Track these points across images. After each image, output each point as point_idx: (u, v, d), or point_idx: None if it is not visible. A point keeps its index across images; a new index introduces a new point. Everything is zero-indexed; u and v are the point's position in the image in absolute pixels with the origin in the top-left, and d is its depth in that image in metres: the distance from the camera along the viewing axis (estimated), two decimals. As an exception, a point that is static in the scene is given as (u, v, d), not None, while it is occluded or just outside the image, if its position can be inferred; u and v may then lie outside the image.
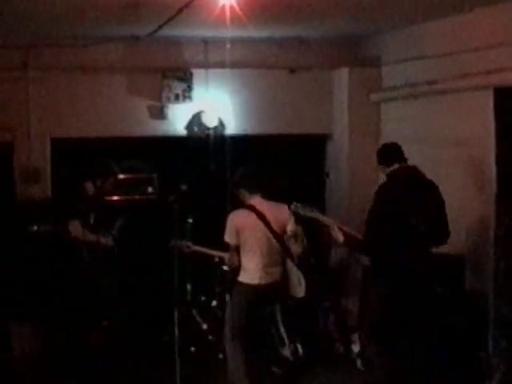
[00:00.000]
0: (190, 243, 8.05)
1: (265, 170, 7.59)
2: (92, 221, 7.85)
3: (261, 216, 7.04)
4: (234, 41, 7.98)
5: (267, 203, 7.16)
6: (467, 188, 7.79)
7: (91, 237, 7.70)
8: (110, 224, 7.86)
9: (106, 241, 7.76)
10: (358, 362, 7.88)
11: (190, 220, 8.28)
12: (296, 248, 7.18)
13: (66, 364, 7.62)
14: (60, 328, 7.92)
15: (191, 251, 8.07)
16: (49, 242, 8.04)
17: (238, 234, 7.05)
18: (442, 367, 7.13)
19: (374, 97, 9.56)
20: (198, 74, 9.40)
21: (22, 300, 8.22)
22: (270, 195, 7.24)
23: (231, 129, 9.64)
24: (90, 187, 7.92)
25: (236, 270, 7.25)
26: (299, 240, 7.20)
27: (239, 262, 7.15)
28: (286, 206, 7.17)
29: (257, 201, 7.13)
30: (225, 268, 7.77)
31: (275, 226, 7.07)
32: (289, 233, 7.11)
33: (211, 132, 9.44)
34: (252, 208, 7.08)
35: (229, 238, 7.10)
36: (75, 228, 7.70)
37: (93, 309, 7.76)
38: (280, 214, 7.14)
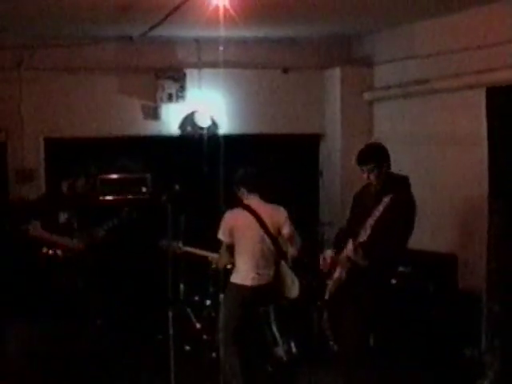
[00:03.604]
0: (180, 244, 8.03)
1: (260, 170, 7.60)
2: (63, 220, 7.86)
3: (256, 216, 7.03)
4: (226, 41, 8.01)
5: (264, 204, 7.15)
6: (459, 187, 7.82)
7: (53, 237, 7.72)
8: (89, 224, 7.89)
9: (71, 243, 7.77)
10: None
11: (183, 219, 8.27)
12: (291, 251, 7.17)
13: (60, 363, 7.62)
14: (53, 327, 7.92)
15: (181, 252, 8.06)
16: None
17: (231, 232, 7.05)
18: (434, 366, 7.17)
19: (366, 96, 9.58)
20: (191, 73, 9.42)
21: (15, 299, 8.22)
22: (266, 195, 7.25)
23: (224, 129, 9.67)
24: (65, 186, 7.96)
25: (224, 269, 7.26)
26: (295, 242, 7.20)
27: (231, 261, 7.16)
28: (282, 208, 7.16)
29: (254, 201, 7.12)
30: (215, 267, 7.76)
31: (270, 228, 7.05)
32: (285, 236, 7.10)
33: (204, 132, 9.46)
34: (248, 208, 7.08)
35: (222, 235, 7.09)
36: (34, 228, 7.76)
37: (86, 308, 7.78)
38: (276, 215, 7.12)
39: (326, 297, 6.57)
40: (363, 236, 6.09)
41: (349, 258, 6.19)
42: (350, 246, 6.13)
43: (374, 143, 6.89)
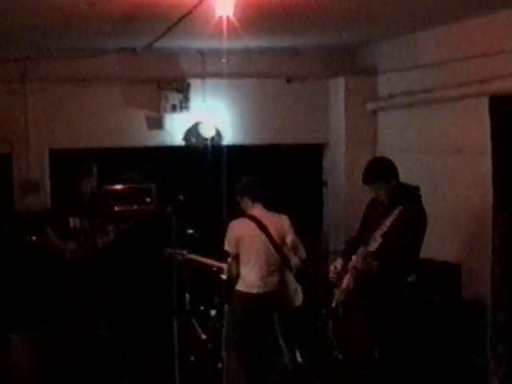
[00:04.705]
0: (184, 251, 8.05)
1: (263, 179, 7.62)
2: (73, 225, 7.87)
3: (261, 226, 7.06)
4: (230, 51, 8.03)
5: (268, 213, 7.18)
6: (463, 196, 7.82)
7: (59, 243, 7.75)
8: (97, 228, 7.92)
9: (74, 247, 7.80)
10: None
11: (190, 230, 8.28)
12: (295, 259, 7.20)
13: (66, 374, 7.64)
14: (59, 337, 7.95)
15: (185, 259, 8.06)
16: (46, 252, 8.06)
17: (237, 243, 7.09)
18: (440, 374, 7.16)
19: (370, 106, 9.59)
20: (194, 84, 9.45)
21: (20, 310, 8.26)
22: (269, 205, 7.27)
23: (228, 139, 9.68)
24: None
25: (234, 279, 7.28)
26: (298, 251, 7.22)
27: (238, 271, 7.18)
28: (285, 217, 7.19)
29: (258, 210, 7.15)
30: (223, 277, 7.77)
31: (275, 236, 7.09)
32: (289, 244, 7.12)
33: (208, 142, 9.48)
34: (253, 217, 7.11)
35: (229, 246, 7.13)
36: (52, 235, 7.80)
37: (92, 318, 7.79)
38: (280, 224, 7.16)
39: (333, 305, 6.55)
40: (372, 246, 6.08)
41: (356, 268, 6.19)
42: (358, 255, 6.12)
43: (378, 159, 6.77)
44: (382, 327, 6.36)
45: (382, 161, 6.62)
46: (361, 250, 6.14)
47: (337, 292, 6.49)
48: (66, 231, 7.86)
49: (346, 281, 6.34)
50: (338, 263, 6.49)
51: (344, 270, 6.39)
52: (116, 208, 8.94)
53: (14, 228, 8.61)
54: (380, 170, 6.44)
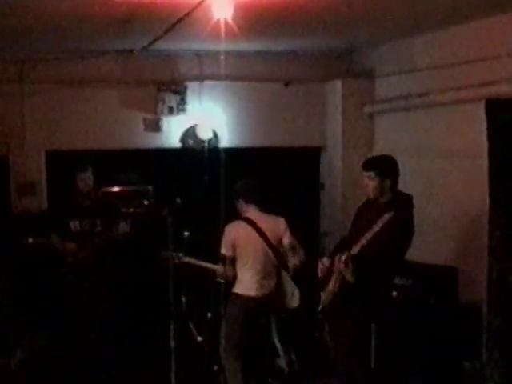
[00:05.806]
0: (180, 254, 8.05)
1: (259, 181, 7.62)
2: (74, 227, 7.86)
3: (257, 228, 7.06)
4: (227, 54, 8.03)
5: (264, 215, 7.18)
6: (460, 199, 7.83)
7: (70, 245, 7.73)
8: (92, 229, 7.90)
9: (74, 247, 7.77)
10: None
11: (186, 233, 8.28)
12: (293, 260, 7.19)
13: (65, 375, 7.65)
14: (58, 339, 7.96)
15: (182, 262, 8.06)
16: (44, 254, 8.06)
17: (234, 245, 7.08)
18: (435, 378, 7.17)
19: (367, 109, 9.60)
20: (192, 87, 9.44)
21: (20, 311, 8.28)
22: (266, 207, 7.27)
23: (225, 141, 9.69)
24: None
25: (230, 282, 7.27)
26: (296, 252, 7.21)
27: (235, 274, 7.18)
28: (282, 219, 7.20)
29: (254, 213, 7.15)
30: (220, 280, 7.77)
31: (271, 239, 7.08)
32: (286, 245, 7.12)
33: (205, 144, 9.48)
34: (249, 220, 7.11)
35: (225, 249, 7.11)
36: (56, 241, 7.79)
37: (90, 320, 7.79)
38: (276, 226, 7.16)
39: (319, 308, 6.57)
40: (356, 249, 6.09)
41: (340, 271, 6.22)
42: (342, 258, 6.13)
43: (388, 156, 6.73)
44: (367, 326, 6.40)
45: (389, 158, 6.64)
46: (345, 253, 6.15)
47: (323, 295, 6.51)
48: (68, 234, 7.85)
49: (332, 284, 6.37)
50: (326, 261, 6.51)
51: (329, 270, 6.43)
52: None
53: (11, 230, 8.59)
54: (382, 163, 6.49)
